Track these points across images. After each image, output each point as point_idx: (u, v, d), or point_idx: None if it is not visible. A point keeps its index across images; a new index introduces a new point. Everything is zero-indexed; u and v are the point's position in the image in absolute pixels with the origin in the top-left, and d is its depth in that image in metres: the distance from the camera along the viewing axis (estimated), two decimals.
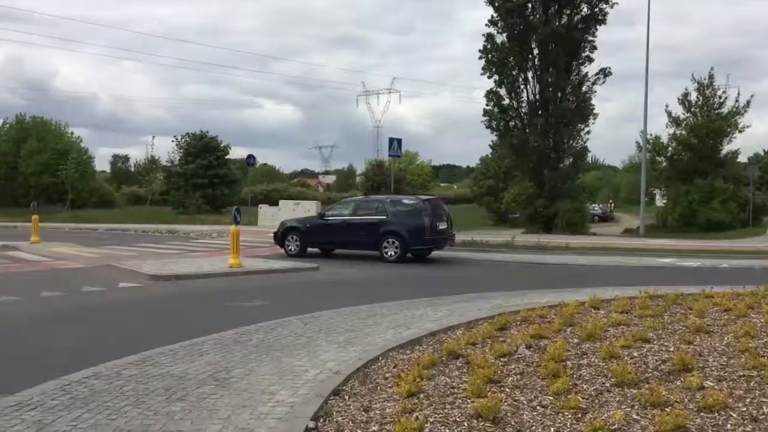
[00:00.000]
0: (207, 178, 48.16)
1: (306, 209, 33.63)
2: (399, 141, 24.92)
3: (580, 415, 4.90)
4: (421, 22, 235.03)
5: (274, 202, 38.46)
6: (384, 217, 18.95)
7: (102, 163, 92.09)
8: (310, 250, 19.66)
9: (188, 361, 6.97)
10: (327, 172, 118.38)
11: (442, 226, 19.08)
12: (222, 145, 51.15)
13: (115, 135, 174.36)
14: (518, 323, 8.41)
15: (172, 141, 51.39)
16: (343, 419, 5.16)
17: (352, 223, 19.31)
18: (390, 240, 18.62)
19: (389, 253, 18.56)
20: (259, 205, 37.20)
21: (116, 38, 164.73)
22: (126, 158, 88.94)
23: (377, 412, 5.27)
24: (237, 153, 59.30)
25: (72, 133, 56.14)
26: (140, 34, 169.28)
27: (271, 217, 34.03)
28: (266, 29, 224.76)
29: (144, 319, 10.38)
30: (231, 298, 11.94)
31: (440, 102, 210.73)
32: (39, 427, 4.93)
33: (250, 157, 41.12)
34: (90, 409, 5.36)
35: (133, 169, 77.14)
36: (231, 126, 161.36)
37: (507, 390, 5.60)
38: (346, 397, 5.76)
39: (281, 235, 20.16)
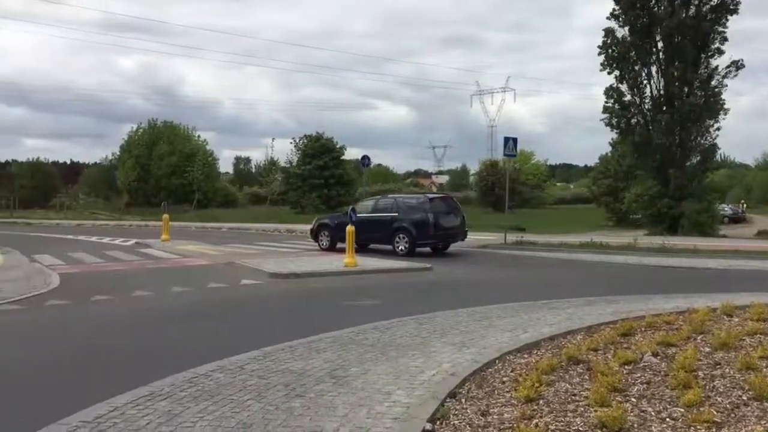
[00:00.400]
0: (323, 179, 49.34)
1: None
2: (514, 140, 24.44)
3: (714, 430, 4.59)
4: (536, 19, 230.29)
5: None
6: (396, 214, 20.06)
7: (226, 165, 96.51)
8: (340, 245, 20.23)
9: (306, 358, 7.12)
10: (440, 172, 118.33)
11: (450, 222, 19.89)
12: (338, 147, 52.24)
13: (238, 138, 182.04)
14: (643, 329, 8.01)
15: (291, 143, 53.12)
16: (460, 422, 5.09)
17: (371, 220, 20.26)
18: (401, 235, 19.71)
19: (400, 248, 19.61)
20: None
21: (240, 45, 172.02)
22: (248, 160, 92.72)
23: (495, 416, 5.16)
24: (352, 154, 60.35)
25: (199, 136, 59.25)
26: (262, 40, 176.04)
27: None
28: (381, 32, 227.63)
29: (264, 315, 10.72)
30: (347, 297, 12.12)
31: (556, 100, 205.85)
32: (169, 417, 5.17)
33: (365, 158, 41.56)
34: (215, 401, 5.57)
35: (254, 170, 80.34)
36: (347, 127, 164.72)
37: (632, 400, 5.34)
38: (463, 399, 5.68)
39: (315, 231, 21.80)
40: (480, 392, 5.86)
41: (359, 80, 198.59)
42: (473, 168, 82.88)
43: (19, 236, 27.12)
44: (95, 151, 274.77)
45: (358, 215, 19.80)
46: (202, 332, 9.24)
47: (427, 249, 20.14)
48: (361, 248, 19.90)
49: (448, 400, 5.62)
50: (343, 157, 52.96)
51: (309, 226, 23.18)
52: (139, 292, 12.68)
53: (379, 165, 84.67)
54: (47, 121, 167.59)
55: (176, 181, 52.59)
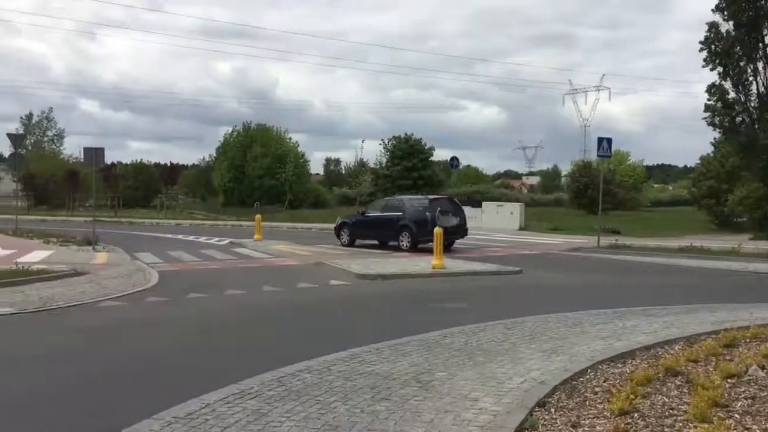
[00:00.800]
0: (411, 180, 49.39)
1: (509, 211, 33.24)
2: (609, 140, 23.70)
3: None
4: (631, 14, 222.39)
5: (476, 204, 38.43)
6: (401, 213, 22.16)
7: (316, 166, 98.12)
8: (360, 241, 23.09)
9: (392, 360, 7.09)
10: (531, 173, 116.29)
11: (449, 221, 20.87)
12: (426, 148, 52.20)
13: (328, 139, 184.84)
14: (748, 340, 7.55)
15: (380, 144, 53.50)
16: None
17: (381, 218, 22.76)
18: (404, 233, 21.76)
19: (404, 244, 21.64)
20: (462, 207, 37.36)
21: (331, 48, 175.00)
22: (337, 161, 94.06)
23: (586, 429, 4.97)
24: (441, 155, 60.19)
25: (290, 138, 60.53)
26: (353, 43, 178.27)
27: (474, 218, 34.03)
28: (471, 31, 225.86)
29: (352, 316, 10.79)
30: (433, 299, 12.05)
31: (654, 98, 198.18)
32: (257, 416, 5.25)
33: (454, 159, 41.42)
34: (302, 402, 5.62)
35: (343, 171, 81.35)
36: (436, 128, 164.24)
37: (736, 416, 5.02)
38: (552, 409, 5.50)
39: (337, 229, 24.24)
40: (570, 402, 5.67)
41: (449, 81, 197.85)
42: (565, 169, 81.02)
43: (122, 235, 28.49)
44: (194, 153, 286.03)
45: (370, 214, 23.38)
46: (291, 332, 9.39)
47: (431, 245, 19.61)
48: (354, 244, 22.95)
49: (536, 410, 5.46)
50: (431, 159, 52.88)
51: None
52: (231, 291, 13.04)
53: (469, 166, 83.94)
54: (150, 125, 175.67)
55: (269, 182, 53.90)
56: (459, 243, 23.44)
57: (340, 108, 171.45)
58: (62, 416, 5.66)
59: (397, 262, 18.08)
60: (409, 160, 50.22)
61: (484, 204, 36.35)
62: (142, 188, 59.95)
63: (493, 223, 32.55)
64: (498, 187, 71.73)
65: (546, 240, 26.31)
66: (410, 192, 48.59)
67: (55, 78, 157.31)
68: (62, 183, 51.89)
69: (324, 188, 65.74)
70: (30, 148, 60.48)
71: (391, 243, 22.16)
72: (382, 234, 22.71)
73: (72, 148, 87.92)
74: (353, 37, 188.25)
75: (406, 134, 52.42)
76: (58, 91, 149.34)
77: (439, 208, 20.06)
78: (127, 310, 11.15)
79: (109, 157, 73.42)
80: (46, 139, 71.27)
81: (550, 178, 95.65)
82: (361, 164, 61.58)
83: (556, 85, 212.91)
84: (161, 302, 11.82)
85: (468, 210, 35.47)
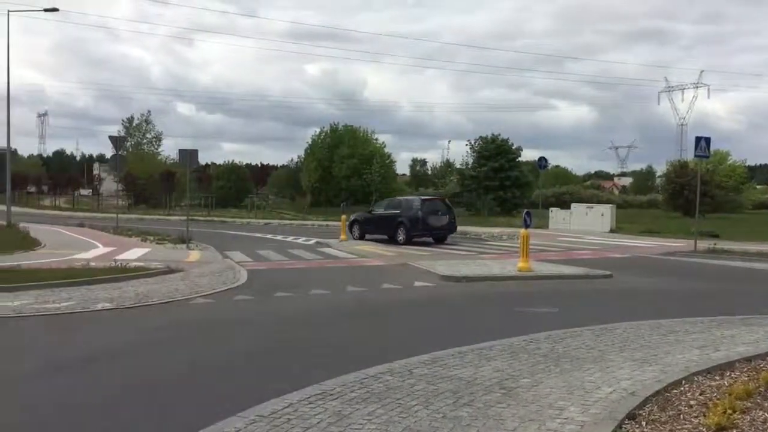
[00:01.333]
0: (498, 181, 48.72)
1: (600, 213, 32.28)
2: (707, 140, 22.58)
3: None
4: (732, 8, 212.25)
5: (565, 205, 37.53)
6: (398, 212, 24.86)
7: (403, 167, 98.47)
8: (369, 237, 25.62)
9: (476, 365, 6.98)
10: (623, 174, 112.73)
11: (438, 220, 24.40)
12: (514, 148, 51.42)
13: (415, 140, 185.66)
14: None
15: (466, 144, 53.05)
16: None
17: (383, 216, 25.64)
18: (401, 228, 24.17)
19: (400, 238, 24.07)
20: (550, 209, 36.61)
21: (419, 49, 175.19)
22: (424, 162, 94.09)
23: None
24: (529, 155, 59.26)
25: (377, 139, 60.92)
26: (441, 43, 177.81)
27: (563, 220, 33.25)
28: (561, 30, 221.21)
29: (435, 318, 10.71)
30: (519, 303, 11.81)
31: (757, 94, 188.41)
32: (338, 417, 5.26)
33: (542, 159, 40.68)
34: (384, 404, 5.60)
35: (429, 172, 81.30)
36: (524, 128, 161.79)
37: None
38: (643, 422, 5.26)
39: (349, 225, 26.81)
40: (663, 415, 5.40)
41: (538, 80, 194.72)
42: (660, 169, 78.03)
43: (214, 233, 29.43)
44: (284, 153, 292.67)
45: (375, 213, 26.65)
46: (374, 333, 9.42)
47: (429, 239, 24.48)
48: (365, 238, 25.67)
49: (626, 422, 5.23)
50: (519, 159, 52.02)
51: (483, 229, 25.57)
52: (316, 290, 13.21)
53: (557, 166, 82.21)
54: (242, 127, 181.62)
55: (355, 182, 54.45)
56: (546, 246, 22.97)
57: (427, 108, 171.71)
58: (150, 410, 5.85)
59: (483, 264, 17.86)
60: (496, 160, 49.55)
61: (572, 205, 35.43)
62: (234, 188, 61.81)
63: (583, 225, 31.69)
64: (588, 188, 69.84)
65: (638, 243, 25.38)
66: (495, 192, 48.13)
67: (154, 82, 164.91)
68: (159, 183, 54.16)
69: (410, 189, 65.85)
70: (130, 149, 63.31)
71: (399, 237, 24.31)
72: (384, 229, 25.32)
73: (169, 149, 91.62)
74: (441, 38, 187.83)
75: (493, 134, 51.78)
76: (156, 94, 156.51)
77: (410, 208, 24.51)
78: (217, 307, 11.48)
79: (203, 159, 76.37)
80: (144, 141, 74.46)
81: (644, 178, 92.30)
82: (448, 165, 61.38)
83: (651, 83, 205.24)
84: (249, 300, 12.10)
85: (557, 211, 34.78)
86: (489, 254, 21.06)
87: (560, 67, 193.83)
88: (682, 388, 6.17)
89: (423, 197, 27.63)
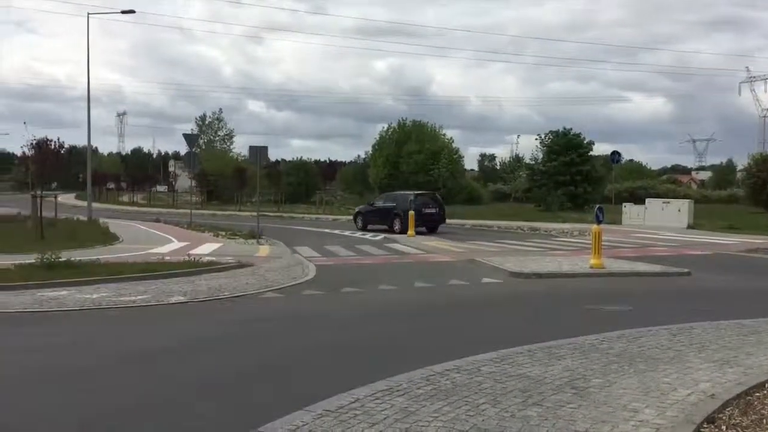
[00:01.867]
0: (569, 176, 47.76)
1: (676, 208, 31.21)
2: None
3: None
4: None
5: (640, 201, 36.42)
6: (395, 204, 28.15)
7: (470, 162, 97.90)
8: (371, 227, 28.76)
9: (545, 364, 6.82)
10: (701, 168, 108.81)
11: (429, 211, 27.80)
12: (585, 142, 50.31)
13: (483, 135, 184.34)
14: None
15: (536, 139, 52.23)
16: None
17: (381, 208, 29.20)
18: (396, 219, 27.35)
19: (396, 228, 27.17)
20: (624, 204, 35.62)
21: (487, 42, 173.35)
22: (492, 157, 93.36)
23: None
24: (601, 149, 57.70)
25: (445, 134, 60.66)
26: (509, 36, 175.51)
27: (637, 216, 32.29)
28: (633, 19, 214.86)
29: (503, 316, 10.56)
30: (590, 301, 11.51)
31: None
32: (405, 414, 5.23)
33: (615, 153, 39.71)
34: (450, 402, 5.53)
35: (498, 167, 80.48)
36: (596, 122, 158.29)
37: None
38: (723, 427, 5.03)
39: (354, 217, 30.99)
40: (744, 420, 5.15)
41: (610, 72, 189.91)
42: (741, 163, 74.93)
43: (283, 229, 29.87)
44: (352, 150, 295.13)
45: (376, 205, 30.20)
46: (441, 329, 9.35)
47: (423, 228, 27.16)
48: (367, 228, 28.91)
49: (704, 426, 5.01)
50: (591, 153, 50.82)
51: (553, 225, 26.45)
52: (384, 286, 13.22)
53: (631, 161, 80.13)
54: (311, 123, 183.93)
55: (423, 178, 54.35)
56: (619, 242, 22.42)
57: (495, 103, 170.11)
58: (221, 403, 5.95)
59: (553, 260, 17.52)
60: (566, 155, 48.55)
61: (647, 201, 34.35)
62: (303, 184, 62.70)
63: (658, 221, 30.68)
64: (664, 183, 67.70)
65: (718, 239, 24.39)
66: (566, 187, 47.21)
67: (226, 81, 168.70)
68: (231, 180, 55.37)
69: (478, 184, 65.31)
70: (203, 147, 65.04)
71: (395, 227, 27.45)
72: (383, 220, 28.43)
73: (240, 146, 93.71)
74: (509, 30, 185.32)
75: (564, 128, 50.78)
76: (228, 93, 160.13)
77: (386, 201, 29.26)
78: (286, 302, 11.63)
79: (273, 155, 77.74)
80: (217, 138, 76.44)
81: (724, 173, 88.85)
82: (517, 160, 60.59)
83: (731, 73, 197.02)
84: (318, 296, 12.22)
85: (630, 207, 33.80)
86: (559, 251, 20.65)
87: (633, 58, 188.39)
88: (765, 392, 5.87)
89: (416, 192, 30.44)
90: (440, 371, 6.46)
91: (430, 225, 27.93)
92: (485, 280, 14.22)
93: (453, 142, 60.06)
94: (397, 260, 18.23)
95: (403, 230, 26.27)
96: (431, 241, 23.18)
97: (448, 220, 29.00)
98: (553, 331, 8.45)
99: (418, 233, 26.00)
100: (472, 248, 20.99)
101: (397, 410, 5.32)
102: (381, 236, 26.07)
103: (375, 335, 8.91)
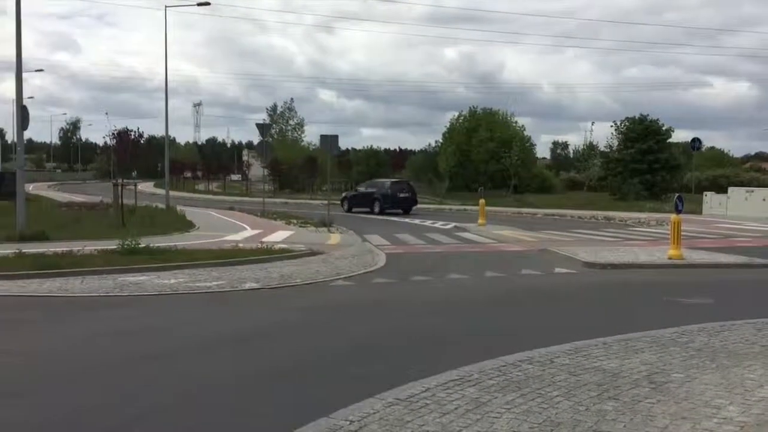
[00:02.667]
0: (646, 164, 46.25)
1: (761, 197, 29.86)
2: None
3: None
4: None
5: (722, 189, 35.01)
6: (375, 190, 33.32)
7: (543, 150, 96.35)
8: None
9: (622, 357, 6.62)
10: None
11: (404, 195, 32.87)
12: (663, 129, 48.62)
13: (555, 122, 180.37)
14: None
15: (611, 126, 50.80)
16: None
17: (364, 193, 34.06)
18: (376, 203, 32.39)
19: (375, 209, 32.09)
20: (704, 193, 34.30)
21: (561, 28, 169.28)
22: (565, 145, 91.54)
23: None
24: (680, 136, 56.03)
25: (516, 122, 59.73)
26: (583, 20, 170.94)
27: (719, 205, 31.07)
28: (717, 0, 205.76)
29: (577, 307, 10.32)
30: (669, 293, 11.13)
31: None
32: (476, 404, 5.16)
33: (695, 140, 38.37)
34: (523, 393, 5.43)
35: (571, 155, 78.83)
36: (675, 108, 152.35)
37: None
38: None
39: (341, 201, 34.97)
40: None
41: (690, 56, 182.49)
42: None
43: (354, 217, 30.10)
44: (422, 138, 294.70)
45: (359, 191, 35.14)
46: (512, 319, 9.21)
47: (399, 210, 32.30)
48: (351, 211, 33.28)
49: None
50: (669, 140, 49.09)
51: (629, 214, 27.06)
52: (454, 275, 13.13)
53: (712, 148, 76.85)
54: (381, 112, 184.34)
55: (494, 166, 53.73)
56: (699, 232, 21.66)
57: (568, 89, 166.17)
58: (291, 389, 6.02)
59: (629, 250, 17.03)
60: (643, 142, 46.99)
61: (730, 189, 32.97)
62: (373, 173, 62.91)
63: (741, 210, 29.42)
64: (748, 171, 64.77)
65: None
66: (643, 176, 45.77)
67: (297, 71, 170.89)
68: (302, 168, 56.14)
69: (550, 172, 64.11)
70: (275, 136, 66.03)
71: (375, 209, 32.37)
72: (365, 204, 33.01)
73: (311, 136, 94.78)
74: (583, 14, 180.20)
75: (641, 115, 49.16)
76: (299, 82, 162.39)
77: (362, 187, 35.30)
78: (357, 290, 11.69)
79: (343, 144, 78.37)
80: (288, 128, 77.40)
81: None
82: (591, 147, 59.02)
83: None
84: (388, 284, 12.24)
85: (712, 196, 32.51)
86: (635, 241, 20.06)
87: (715, 42, 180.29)
88: None
89: (392, 180, 37.36)
90: (512, 362, 6.35)
91: (404, 207, 32.72)
92: (558, 270, 13.95)
93: (525, 129, 59.14)
94: (468, 249, 18.09)
95: (382, 211, 31.96)
96: (502, 230, 22.89)
97: (520, 210, 28.84)
98: (630, 324, 8.21)
99: (392, 214, 31.42)
100: (544, 238, 20.63)
101: (468, 400, 5.26)
102: (451, 225, 25.94)
103: (445, 324, 8.86)
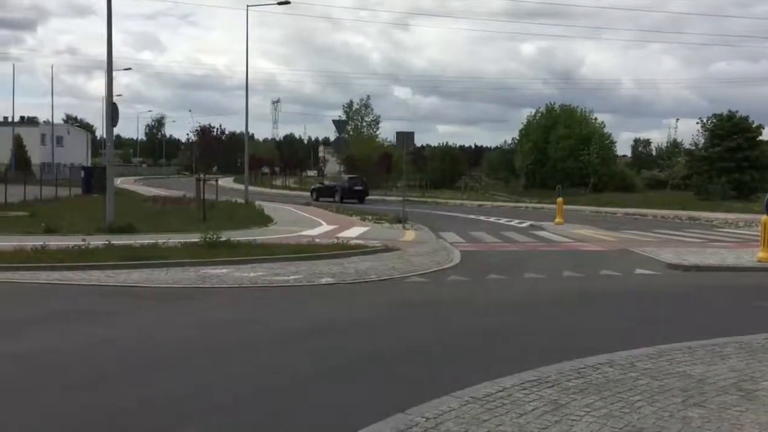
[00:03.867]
0: (735, 162, 44.41)
1: None
2: None
3: None
4: None
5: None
6: (336, 184, 41.29)
7: (623, 148, 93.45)
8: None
9: (707, 362, 6.38)
10: None
11: (358, 188, 40.54)
12: (754, 126, 46.53)
13: (637, 119, 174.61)
14: None
15: (697, 123, 49.00)
16: None
17: (328, 186, 42.15)
18: (336, 194, 39.43)
19: (336, 198, 38.74)
20: None
21: (645, 21, 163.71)
22: (647, 142, 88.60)
23: None
24: None
25: (596, 119, 58.37)
26: (669, 13, 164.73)
27: None
28: None
29: (659, 309, 10.00)
30: (758, 297, 10.65)
31: None
32: (555, 406, 5.07)
33: None
34: (603, 397, 5.30)
35: (653, 153, 76.37)
36: (766, 104, 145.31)
37: None
38: None
39: (311, 191, 43.66)
40: None
41: None
42: None
43: (428, 214, 30.07)
44: (498, 135, 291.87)
45: (325, 184, 43.16)
46: (591, 321, 9.01)
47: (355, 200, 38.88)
48: (318, 200, 39.76)
49: None
50: (760, 138, 46.93)
51: (714, 214, 26.55)
52: (530, 274, 12.95)
53: None
54: (456, 109, 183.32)
55: (572, 164, 52.67)
56: None
57: (651, 85, 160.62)
58: (370, 384, 6.07)
59: (715, 252, 16.39)
60: (732, 139, 45.13)
61: None
62: (448, 170, 62.69)
63: None
64: None
65: None
66: (730, 175, 43.91)
67: (373, 68, 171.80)
68: (377, 165, 56.46)
69: (631, 171, 62.33)
70: (351, 132, 66.69)
71: (336, 198, 39.22)
72: (329, 195, 39.94)
73: (386, 132, 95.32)
74: (669, 7, 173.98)
75: (729, 111, 47.22)
76: (375, 79, 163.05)
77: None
78: (432, 287, 11.68)
79: (419, 141, 78.16)
80: (364, 124, 78.07)
81: None
82: (674, 145, 57.05)
83: None
84: (463, 281, 12.18)
85: None
86: (722, 242, 19.29)
87: None
88: None
89: (349, 176, 43.89)
90: (592, 364, 6.21)
91: (359, 196, 40.02)
92: (639, 271, 13.55)
93: (604, 126, 57.69)
94: (545, 248, 17.80)
95: (341, 200, 38.47)
96: (580, 229, 22.41)
97: (599, 209, 27.93)
98: (716, 328, 7.90)
99: (349, 203, 37.04)
100: (624, 237, 20.09)
101: (546, 402, 5.17)
102: (527, 223, 25.59)
103: (520, 323, 8.74)
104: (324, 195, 40.83)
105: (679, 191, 49.51)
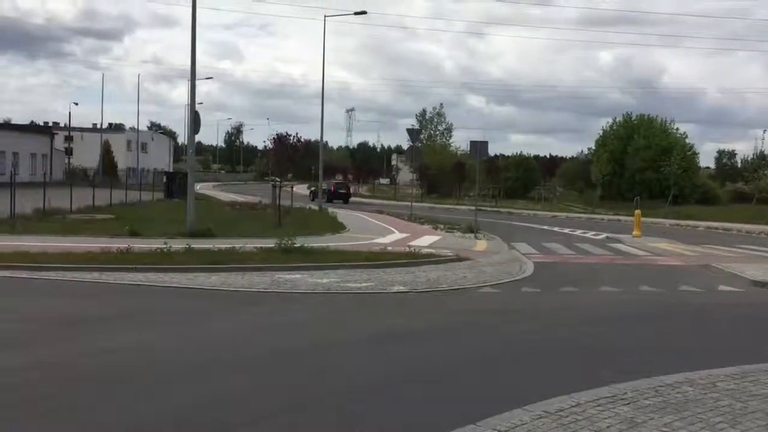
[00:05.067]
0: None
1: None
2: None
3: None
4: None
5: None
6: (326, 187, 45.00)
7: (707, 159, 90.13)
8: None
9: None
10: None
11: (342, 191, 49.75)
12: None
13: (721, 129, 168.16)
14: None
15: None
16: None
17: (323, 189, 41.66)
18: (326, 195, 43.48)
19: (324, 199, 39.93)
20: None
21: (729, 28, 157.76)
22: (732, 153, 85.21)
23: None
24: None
25: (677, 129, 56.59)
26: (756, 20, 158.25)
27: None
28: None
29: (743, 327, 9.61)
30: None
31: None
32: (630, 424, 4.95)
33: None
34: (682, 417, 5.14)
35: (739, 164, 73.42)
36: None
37: None
38: None
39: (309, 193, 50.27)
40: None
41: None
42: None
43: (501, 224, 29.79)
44: (573, 145, 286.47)
45: (322, 188, 41.50)
46: (669, 338, 8.74)
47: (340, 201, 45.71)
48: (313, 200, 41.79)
49: None
50: None
51: None
52: (605, 288, 12.66)
53: None
54: (531, 118, 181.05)
55: (651, 175, 51.16)
56: None
57: (737, 94, 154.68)
58: (443, 392, 6.07)
59: None
60: None
61: None
62: (522, 180, 61.96)
63: None
64: None
65: None
66: None
67: (447, 76, 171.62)
68: (450, 173, 56.34)
69: (714, 183, 60.05)
70: (424, 141, 66.75)
71: (324, 199, 40.31)
72: (323, 196, 40.59)
73: (459, 141, 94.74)
74: (756, 14, 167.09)
75: None
76: (448, 88, 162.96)
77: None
78: (504, 298, 11.57)
79: (492, 150, 77.61)
80: (437, 133, 78.03)
81: None
82: (761, 157, 54.62)
83: None
84: (535, 293, 12.01)
85: None
86: None
87: None
88: None
89: (336, 181, 54.43)
90: (670, 383, 6.03)
91: (343, 198, 48.22)
92: (722, 287, 13.05)
93: (686, 137, 55.85)
94: (621, 261, 17.36)
95: (329, 201, 43.31)
96: (659, 243, 21.74)
97: (679, 222, 26.82)
98: None
99: (335, 204, 42.46)
100: (706, 252, 19.39)
101: (622, 419, 5.06)
102: (603, 235, 25.03)
103: (596, 337, 8.56)
104: (317, 196, 43.46)
105: (766, 205, 47.36)
